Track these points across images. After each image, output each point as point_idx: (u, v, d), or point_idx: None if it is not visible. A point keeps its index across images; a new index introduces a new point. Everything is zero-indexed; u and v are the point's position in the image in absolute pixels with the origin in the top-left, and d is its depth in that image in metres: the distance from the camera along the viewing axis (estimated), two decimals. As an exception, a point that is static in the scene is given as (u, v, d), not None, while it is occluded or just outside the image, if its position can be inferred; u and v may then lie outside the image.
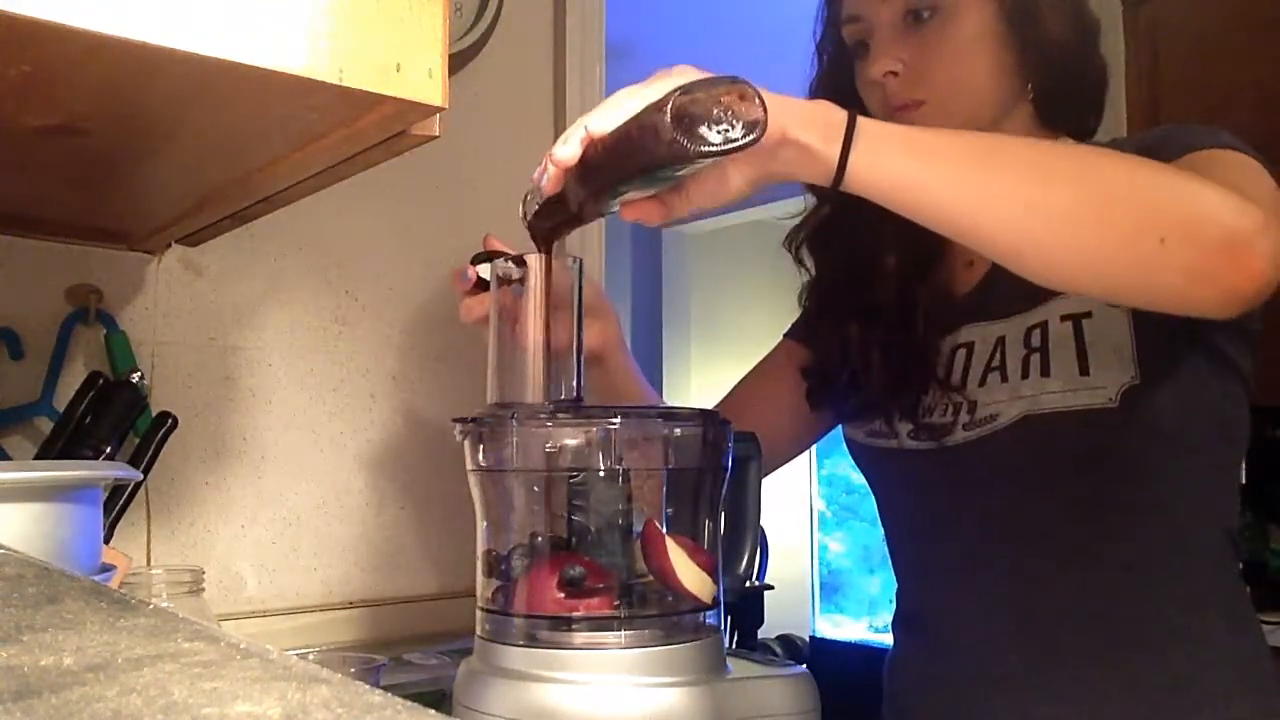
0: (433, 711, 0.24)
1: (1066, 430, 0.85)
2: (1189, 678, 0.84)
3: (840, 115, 0.67)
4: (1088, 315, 0.85)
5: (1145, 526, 0.87)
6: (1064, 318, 0.86)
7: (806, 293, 1.06)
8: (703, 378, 4.62)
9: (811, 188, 1.01)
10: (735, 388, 1.13)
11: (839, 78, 0.97)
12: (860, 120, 0.67)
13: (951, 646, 0.94)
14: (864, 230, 0.99)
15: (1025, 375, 0.86)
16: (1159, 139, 0.82)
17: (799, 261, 1.05)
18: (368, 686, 0.26)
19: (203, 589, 1.02)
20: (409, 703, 0.25)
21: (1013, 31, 0.88)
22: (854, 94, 0.95)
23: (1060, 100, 0.91)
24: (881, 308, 0.98)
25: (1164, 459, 0.87)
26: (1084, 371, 0.84)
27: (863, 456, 1.02)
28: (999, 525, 0.91)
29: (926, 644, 0.99)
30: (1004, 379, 0.88)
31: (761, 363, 1.13)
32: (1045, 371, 0.85)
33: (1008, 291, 0.89)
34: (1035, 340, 0.87)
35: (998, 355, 0.89)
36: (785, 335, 1.12)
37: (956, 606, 0.95)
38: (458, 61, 1.43)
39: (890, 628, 1.07)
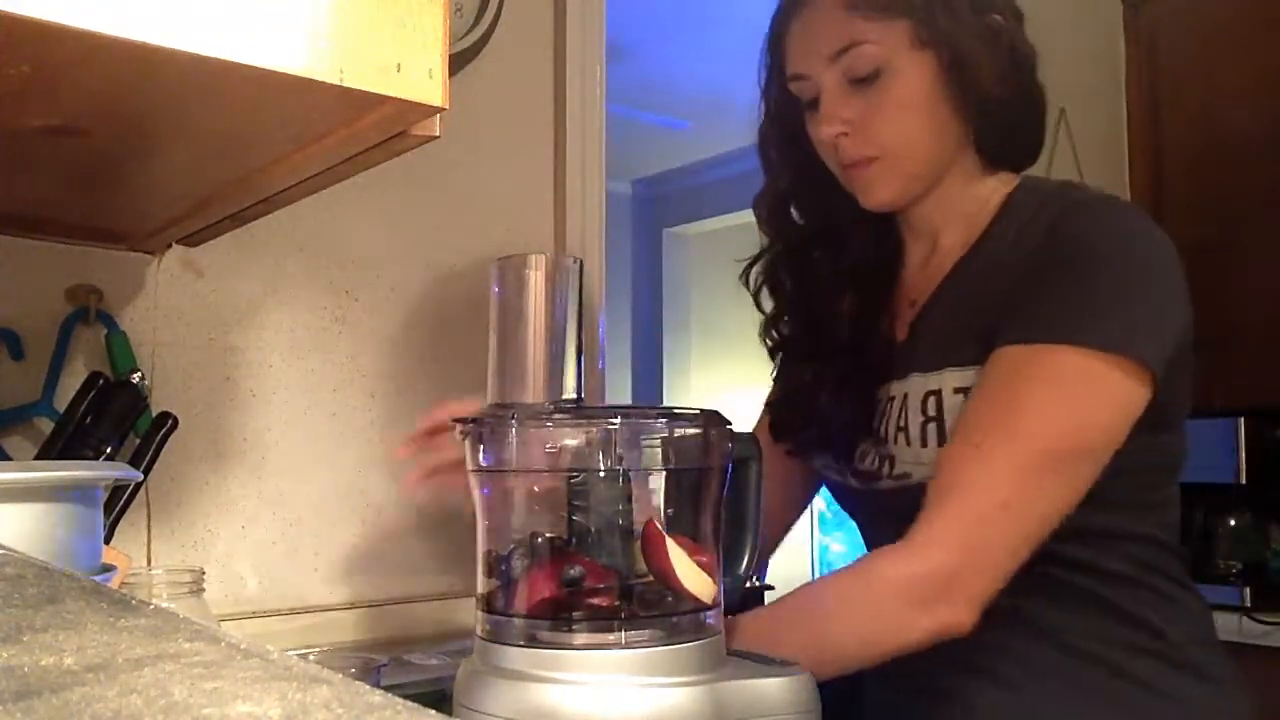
0: (433, 712, 0.24)
1: None
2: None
3: None
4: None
5: (1050, 579, 0.89)
6: (956, 390, 0.88)
7: (763, 329, 1.09)
8: (703, 378, 4.62)
9: (761, 225, 1.05)
10: None
11: (787, 126, 1.00)
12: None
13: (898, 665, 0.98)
14: (820, 269, 1.02)
15: (925, 443, 0.90)
16: (1028, 283, 0.86)
17: (756, 300, 1.08)
18: (368, 687, 0.26)
19: (203, 589, 1.02)
20: (409, 703, 0.25)
21: (951, 85, 0.90)
22: (802, 141, 0.98)
23: (1000, 142, 0.95)
24: (832, 351, 1.01)
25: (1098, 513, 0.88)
26: None
27: (827, 485, 1.07)
28: None
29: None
30: (908, 442, 0.92)
31: (759, 418, 1.15)
32: (940, 441, 0.88)
33: (922, 347, 0.94)
34: (931, 408, 0.90)
35: (902, 416, 0.93)
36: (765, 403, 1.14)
37: None
38: (458, 62, 1.43)
39: None
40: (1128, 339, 0.81)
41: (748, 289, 1.07)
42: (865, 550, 1.07)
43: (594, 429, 0.77)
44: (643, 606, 0.77)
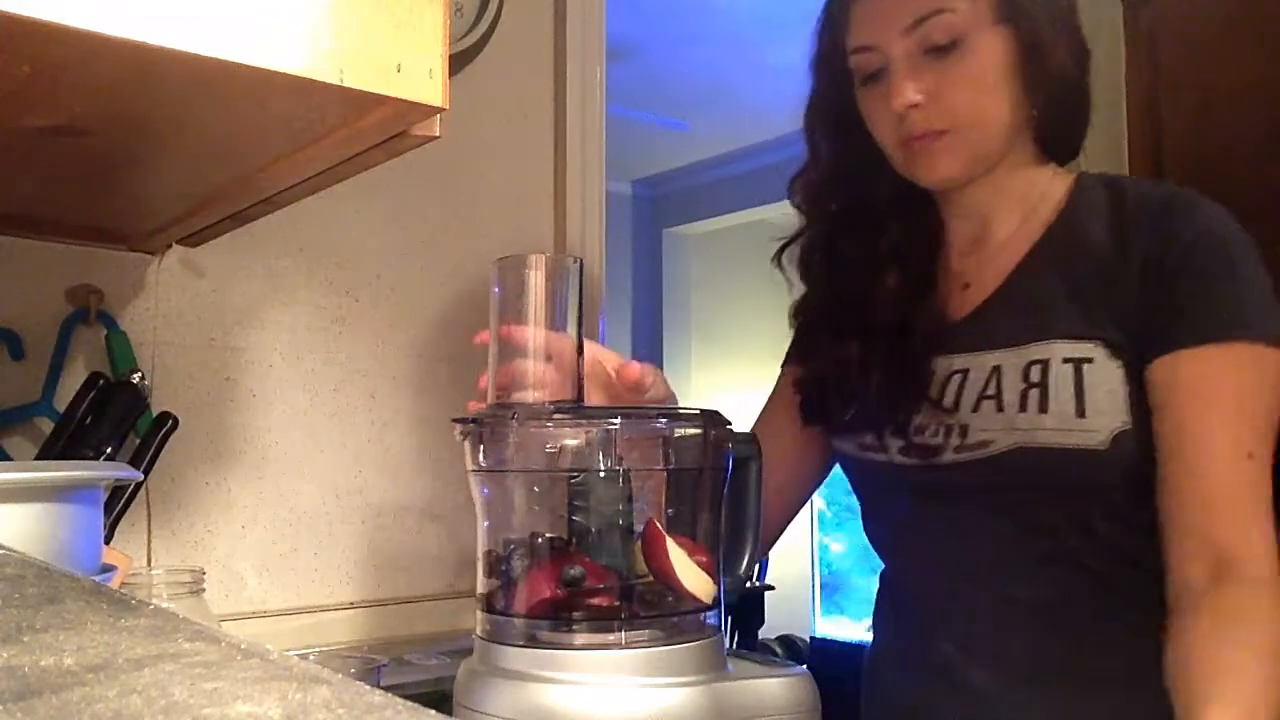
0: (433, 712, 0.24)
1: (1056, 465, 0.88)
2: (1160, 710, 0.84)
3: None
4: (1089, 360, 0.88)
5: (1116, 560, 0.90)
6: (1066, 359, 0.89)
7: (796, 309, 1.08)
8: (703, 378, 4.62)
9: (801, 207, 1.04)
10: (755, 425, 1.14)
11: (838, 103, 0.98)
12: None
13: (924, 649, 0.96)
14: (859, 250, 1.01)
15: (1023, 408, 0.89)
16: (1183, 275, 0.88)
17: (787, 276, 1.06)
18: (368, 687, 0.26)
19: (203, 589, 1.02)
20: (409, 703, 0.25)
21: (1025, 65, 0.90)
22: (852, 119, 0.97)
23: (1059, 131, 0.95)
24: (879, 327, 0.99)
25: (1143, 499, 0.89)
26: (1080, 414, 0.87)
27: (853, 469, 1.04)
28: (977, 541, 0.94)
29: (905, 642, 1.01)
30: (1000, 409, 0.91)
31: (767, 400, 1.14)
32: (1044, 408, 0.88)
33: (1005, 323, 0.93)
34: (1035, 375, 0.89)
35: (993, 384, 0.92)
36: (782, 365, 1.13)
37: (930, 609, 0.98)
38: (458, 62, 1.43)
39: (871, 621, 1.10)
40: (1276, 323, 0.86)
41: (780, 271, 1.06)
42: (866, 528, 1.07)
43: (594, 429, 0.77)
44: (643, 606, 0.77)
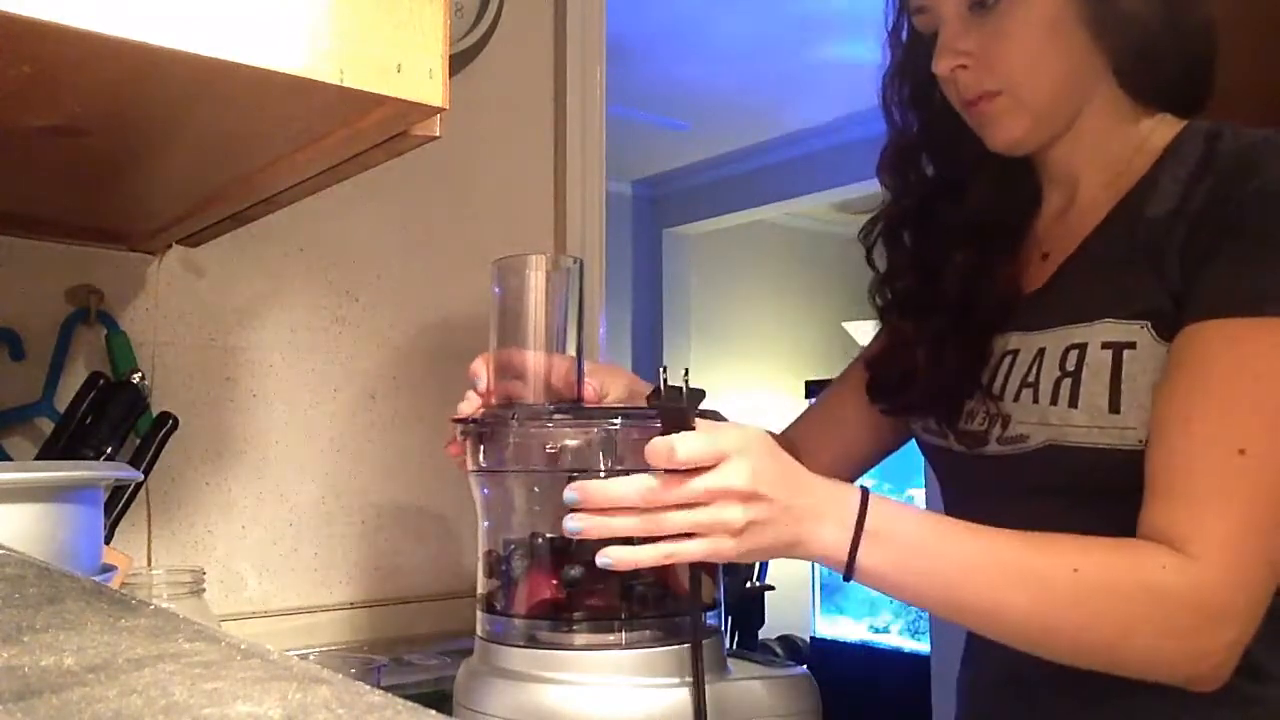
0: (433, 712, 0.24)
1: (1090, 466, 0.80)
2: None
3: (844, 534, 0.73)
4: (1131, 346, 0.78)
5: None
6: (1105, 344, 0.80)
7: (874, 288, 1.01)
8: (703, 378, 4.61)
9: (887, 184, 0.98)
10: (817, 401, 1.11)
11: (913, 70, 0.93)
12: (865, 532, 0.73)
13: (981, 644, 0.91)
14: (939, 224, 0.95)
15: (1054, 401, 0.82)
16: (1244, 230, 0.77)
17: (869, 259, 1.00)
18: (368, 687, 0.26)
19: (203, 589, 1.02)
20: (409, 703, 0.25)
21: (1086, 9, 0.82)
22: (927, 87, 0.92)
23: (1147, 78, 0.85)
24: (941, 304, 0.93)
25: None
26: (1114, 409, 0.78)
27: (923, 449, 0.99)
28: None
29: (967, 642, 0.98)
30: (1035, 399, 0.83)
31: (842, 372, 1.10)
32: (1074, 402, 0.80)
33: (1067, 297, 0.85)
34: (1071, 363, 0.81)
35: (1034, 370, 0.84)
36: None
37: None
38: (458, 62, 1.43)
39: None
40: None
41: (865, 247, 1.00)
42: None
43: (594, 429, 0.77)
44: (642, 607, 0.77)
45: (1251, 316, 0.73)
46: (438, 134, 0.74)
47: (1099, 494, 0.81)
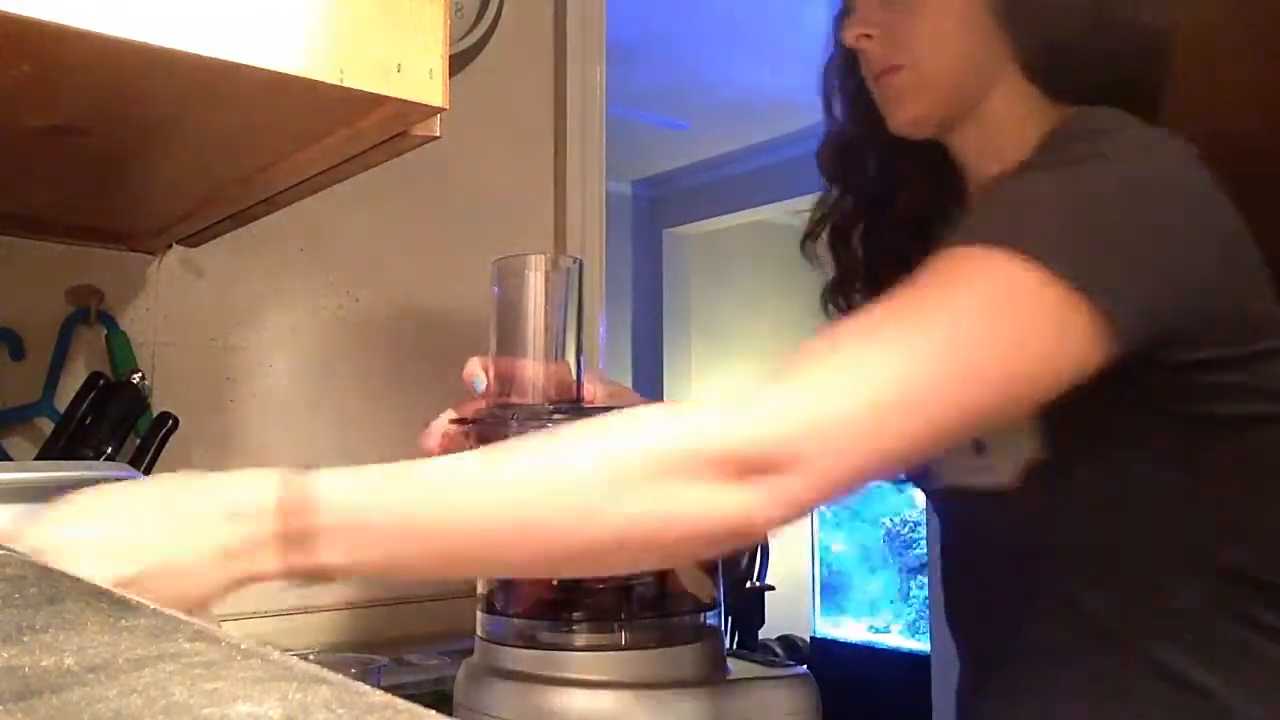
0: (433, 712, 0.24)
1: (976, 510, 0.79)
2: None
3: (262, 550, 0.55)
4: None
5: (1078, 611, 0.76)
6: None
7: (825, 296, 0.96)
8: (703, 378, 4.62)
9: (824, 176, 0.94)
10: None
11: (845, 56, 0.90)
12: (290, 534, 0.55)
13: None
14: (883, 225, 0.92)
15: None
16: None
17: (814, 259, 0.96)
18: (368, 687, 0.26)
19: (203, 589, 1.02)
20: (409, 703, 0.25)
21: None
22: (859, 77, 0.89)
23: (1059, 74, 0.79)
24: None
25: (1099, 535, 0.74)
26: (978, 449, 0.75)
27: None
28: (955, 580, 0.88)
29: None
30: None
31: None
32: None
33: None
34: None
35: None
36: None
37: (947, 627, 0.92)
38: (458, 62, 1.43)
39: None
40: (1084, 261, 0.63)
41: (809, 258, 0.95)
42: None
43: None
44: (642, 607, 0.77)
45: (957, 248, 0.66)
46: (438, 134, 0.74)
47: (984, 540, 0.80)
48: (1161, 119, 0.83)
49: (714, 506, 0.57)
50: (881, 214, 0.92)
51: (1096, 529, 0.74)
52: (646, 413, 0.62)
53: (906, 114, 0.83)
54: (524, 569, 0.66)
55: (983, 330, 0.62)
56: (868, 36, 0.83)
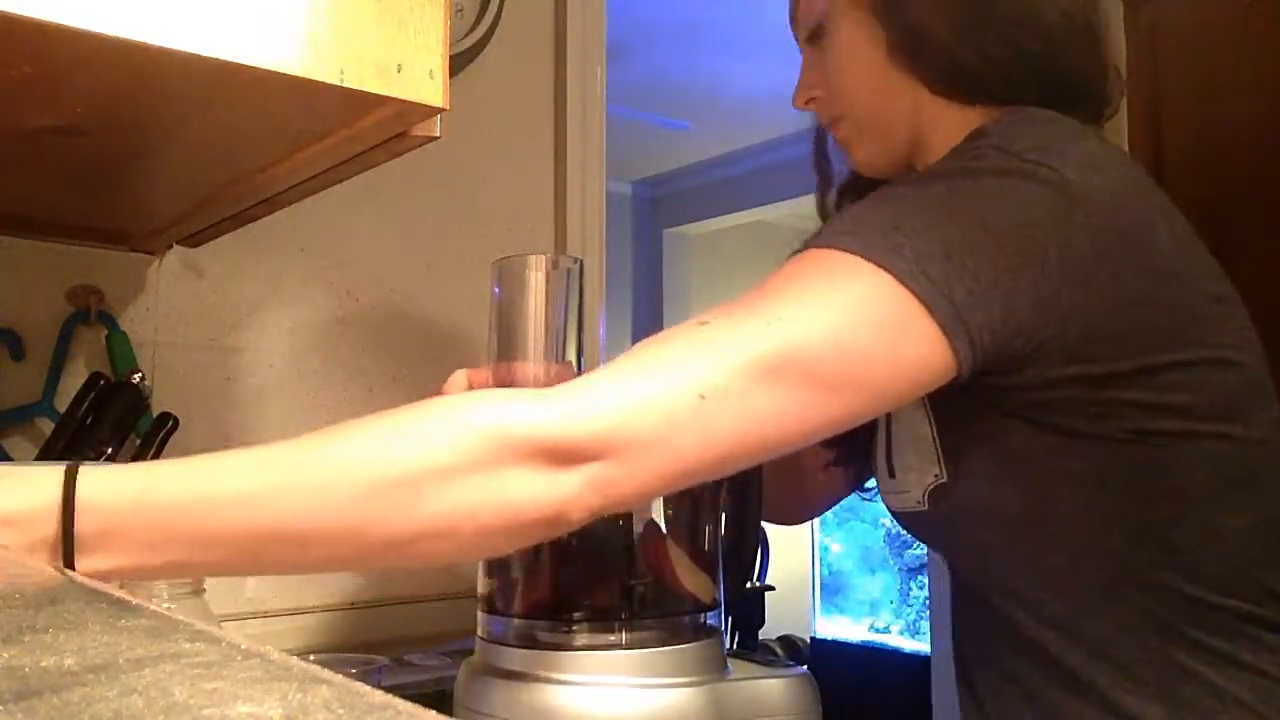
0: (433, 712, 0.24)
1: (918, 530, 0.82)
2: None
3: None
4: (889, 413, 0.75)
5: (1020, 636, 0.75)
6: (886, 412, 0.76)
7: None
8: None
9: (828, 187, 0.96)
10: None
11: None
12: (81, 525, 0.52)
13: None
14: None
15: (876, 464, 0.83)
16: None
17: None
18: (368, 687, 0.26)
19: (204, 590, 1.02)
20: (409, 703, 0.25)
21: (883, 27, 0.79)
22: None
23: (960, 85, 0.79)
24: None
25: (1024, 558, 0.73)
26: (890, 474, 0.78)
27: None
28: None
29: None
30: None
31: None
32: (874, 467, 0.81)
33: None
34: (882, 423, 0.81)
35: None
36: None
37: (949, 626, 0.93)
38: (459, 62, 1.43)
39: None
40: (922, 270, 0.61)
41: None
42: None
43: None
44: (643, 607, 0.77)
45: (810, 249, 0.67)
46: (438, 134, 0.74)
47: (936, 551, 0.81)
48: (1110, 111, 0.84)
49: (525, 494, 0.56)
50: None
51: (1021, 552, 0.73)
52: (458, 401, 0.60)
53: (859, 157, 0.87)
54: (317, 567, 0.62)
55: (816, 322, 0.61)
56: (815, 98, 0.87)
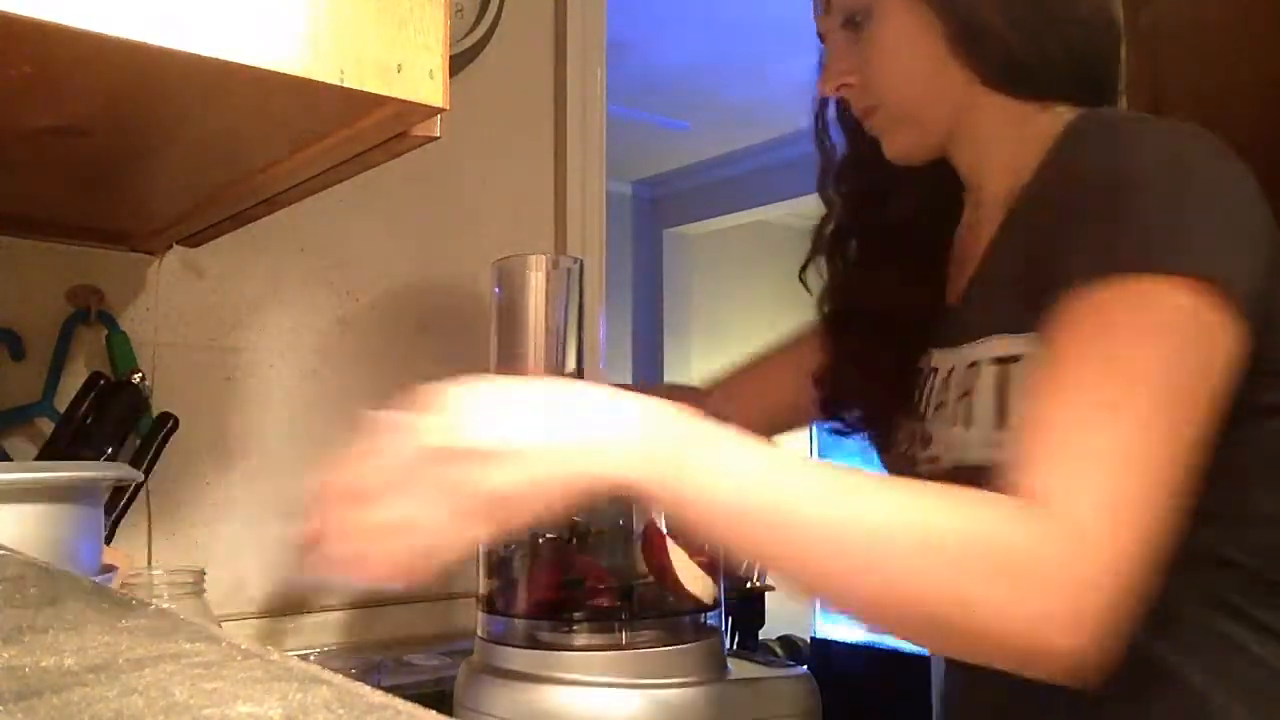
0: (433, 712, 0.24)
1: (990, 484, 0.79)
2: None
3: (665, 465, 0.59)
4: (1015, 360, 0.75)
5: None
6: (995, 360, 0.77)
7: (816, 305, 0.99)
8: (703, 378, 4.62)
9: (823, 197, 0.97)
10: (757, 359, 1.11)
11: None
12: (691, 463, 0.59)
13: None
14: (869, 238, 0.95)
15: (955, 422, 0.80)
16: (1058, 225, 0.73)
17: (803, 278, 0.98)
18: (368, 687, 0.26)
19: (204, 590, 1.02)
20: (409, 703, 0.25)
21: (940, 18, 0.81)
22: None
23: (1020, 82, 0.82)
24: (867, 320, 0.93)
25: None
26: (1000, 425, 0.75)
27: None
28: None
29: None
30: (944, 419, 0.82)
31: (785, 345, 1.09)
32: (969, 422, 0.78)
33: (972, 312, 0.83)
34: (970, 381, 0.79)
35: (945, 389, 0.82)
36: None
37: None
38: (459, 62, 1.43)
39: None
40: (1208, 257, 0.65)
41: (808, 288, 0.98)
42: None
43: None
44: (643, 607, 0.77)
45: (1105, 278, 0.66)
46: (438, 134, 0.74)
47: None
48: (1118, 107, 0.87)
49: (1007, 614, 0.57)
50: (877, 218, 0.95)
51: None
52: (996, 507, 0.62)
53: (894, 148, 0.87)
54: (847, 599, 0.63)
55: (1182, 373, 0.64)
56: (848, 85, 0.87)
